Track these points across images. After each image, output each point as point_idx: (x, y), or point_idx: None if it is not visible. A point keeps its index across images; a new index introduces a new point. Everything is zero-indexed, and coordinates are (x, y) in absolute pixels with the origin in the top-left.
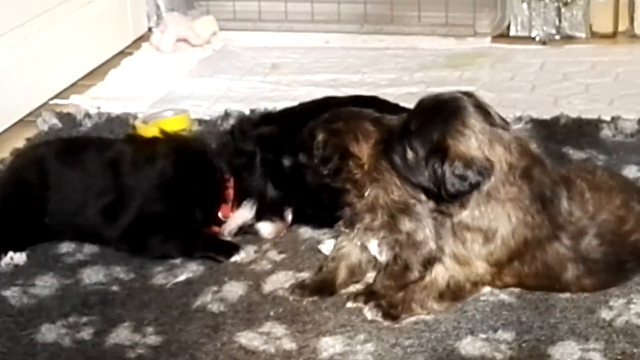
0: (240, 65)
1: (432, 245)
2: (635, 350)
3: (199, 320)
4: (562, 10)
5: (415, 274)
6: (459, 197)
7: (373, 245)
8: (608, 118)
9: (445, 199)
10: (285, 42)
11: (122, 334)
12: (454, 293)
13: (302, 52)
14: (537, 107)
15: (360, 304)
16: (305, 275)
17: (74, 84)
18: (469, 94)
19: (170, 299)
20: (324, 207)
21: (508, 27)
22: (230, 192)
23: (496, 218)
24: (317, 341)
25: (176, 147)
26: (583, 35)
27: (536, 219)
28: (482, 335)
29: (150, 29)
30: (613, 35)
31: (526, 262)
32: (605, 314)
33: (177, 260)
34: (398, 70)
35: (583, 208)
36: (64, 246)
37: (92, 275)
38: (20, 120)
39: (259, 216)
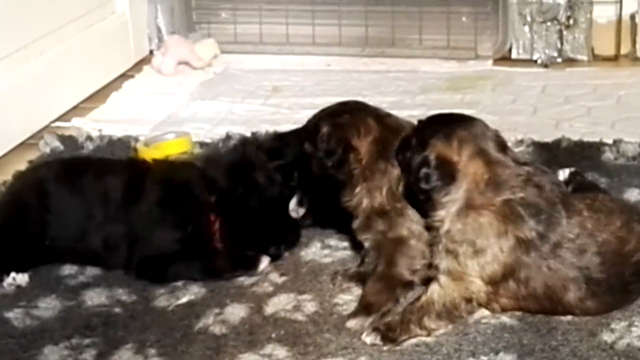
0: (242, 88)
1: (421, 245)
2: None
3: (201, 342)
4: (564, 33)
5: (402, 272)
6: (425, 195)
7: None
8: (610, 141)
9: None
10: (286, 65)
11: (124, 356)
12: (449, 312)
13: (303, 75)
14: (539, 130)
15: (359, 322)
16: (307, 297)
17: (75, 107)
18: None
19: (172, 320)
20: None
21: (510, 50)
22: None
23: (480, 229)
24: None
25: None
26: (585, 58)
27: (527, 236)
28: (484, 358)
29: (151, 52)
30: (615, 58)
31: (522, 281)
32: (607, 337)
33: (179, 283)
34: (399, 93)
35: (582, 226)
36: (66, 268)
37: (94, 297)
38: (22, 143)
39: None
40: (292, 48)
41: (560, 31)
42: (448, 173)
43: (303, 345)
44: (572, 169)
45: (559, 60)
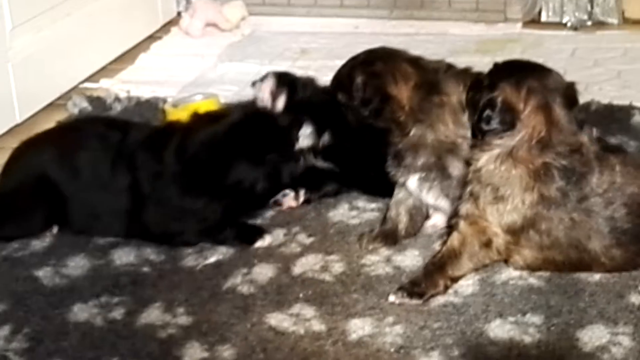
0: (269, 50)
1: None
2: None
3: (228, 302)
4: None
5: None
6: (482, 135)
7: (412, 182)
8: (639, 104)
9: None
10: (314, 28)
11: (153, 314)
12: (470, 256)
13: (331, 38)
14: None
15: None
16: (334, 257)
17: (103, 68)
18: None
19: (200, 280)
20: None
21: (539, 13)
22: None
23: (508, 179)
24: (346, 323)
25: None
26: (615, 21)
27: (552, 194)
28: (511, 319)
29: (179, 14)
30: None
31: (543, 232)
32: (634, 299)
33: (207, 243)
34: (428, 56)
35: (612, 181)
36: None
37: (122, 257)
38: (51, 104)
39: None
40: (320, 10)
41: None
42: (509, 120)
43: (330, 305)
44: (597, 135)
45: (589, 23)
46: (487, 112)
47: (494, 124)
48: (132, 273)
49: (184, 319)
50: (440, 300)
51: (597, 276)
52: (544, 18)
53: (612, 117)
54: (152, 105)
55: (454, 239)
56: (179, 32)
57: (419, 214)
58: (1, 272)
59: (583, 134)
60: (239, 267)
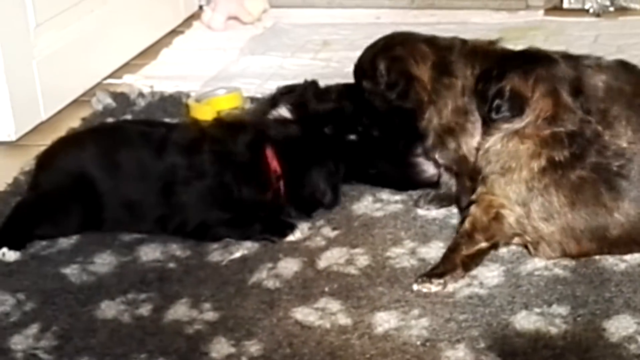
0: (291, 42)
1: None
2: None
3: (255, 297)
4: None
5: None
6: (492, 123)
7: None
8: None
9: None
10: (336, 19)
11: (179, 310)
12: (481, 231)
13: (353, 29)
14: None
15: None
16: (359, 250)
17: (127, 64)
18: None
19: (226, 275)
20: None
21: (561, 0)
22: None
23: (516, 152)
24: (372, 316)
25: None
26: (638, 6)
27: (560, 157)
28: (537, 310)
29: (201, 7)
30: None
31: (552, 194)
32: None
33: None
34: None
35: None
36: None
37: (149, 253)
38: (75, 100)
39: None
40: (341, 1)
41: None
42: (518, 106)
43: (356, 299)
44: None
45: (611, 9)
46: (497, 101)
47: (503, 112)
48: (159, 269)
49: (210, 315)
50: (465, 292)
51: (622, 265)
52: (565, 5)
53: None
54: (176, 100)
55: (466, 222)
56: (201, 26)
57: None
58: (29, 270)
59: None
60: (265, 261)
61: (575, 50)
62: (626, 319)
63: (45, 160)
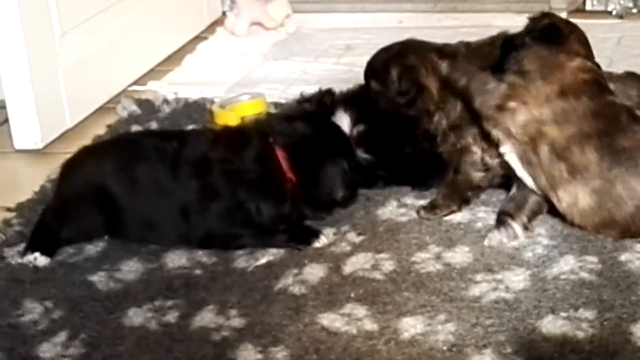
0: (314, 47)
1: (477, 151)
2: None
3: (281, 303)
4: None
5: (468, 178)
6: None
7: None
8: None
9: None
10: (358, 23)
11: (206, 317)
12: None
13: (375, 33)
14: None
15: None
16: (384, 255)
17: (151, 70)
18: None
19: (252, 281)
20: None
21: (584, 2)
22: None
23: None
24: (398, 322)
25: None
26: None
27: (575, 86)
28: (563, 314)
29: (224, 13)
30: None
31: (563, 119)
32: None
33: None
34: None
35: None
36: None
37: (175, 260)
38: (101, 108)
39: None
40: (363, 6)
41: None
42: (556, 38)
43: (382, 304)
44: None
45: (635, 10)
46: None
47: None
48: (185, 276)
49: (237, 321)
50: (491, 296)
51: None
52: (588, 7)
53: None
54: (200, 107)
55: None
56: (225, 32)
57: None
58: (57, 278)
59: None
60: (290, 267)
61: (598, 52)
62: None
63: (66, 168)
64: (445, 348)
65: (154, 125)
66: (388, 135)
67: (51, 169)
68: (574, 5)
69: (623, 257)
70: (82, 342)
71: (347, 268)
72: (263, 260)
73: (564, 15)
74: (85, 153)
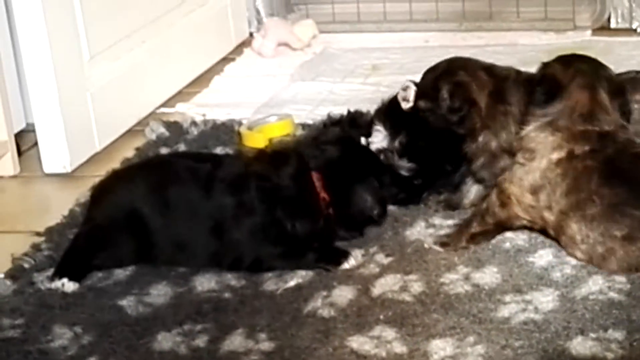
0: (341, 67)
1: None
2: None
3: (310, 326)
4: None
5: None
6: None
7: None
8: None
9: None
10: (384, 43)
11: (236, 341)
12: (492, 215)
13: (401, 52)
14: None
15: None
16: (413, 277)
17: (179, 92)
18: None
19: (281, 304)
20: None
21: (608, 20)
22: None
23: (543, 143)
24: (428, 344)
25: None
26: None
27: (579, 151)
28: (593, 335)
29: (251, 34)
30: None
31: (559, 183)
32: None
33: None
34: None
35: None
36: None
37: (204, 283)
38: (129, 130)
39: None
40: (390, 25)
41: None
42: (552, 90)
43: (411, 326)
44: None
45: None
46: (538, 88)
47: (539, 95)
48: (214, 299)
49: (266, 345)
50: (520, 317)
51: None
52: (613, 24)
53: None
54: (228, 128)
55: (484, 203)
56: (252, 53)
57: None
58: (86, 303)
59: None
60: (319, 289)
61: (624, 70)
62: None
63: (98, 193)
64: None
65: (182, 147)
66: (431, 148)
67: (80, 192)
68: (599, 23)
69: None
70: None
71: (376, 290)
72: (292, 283)
73: (588, 33)
74: (116, 177)
